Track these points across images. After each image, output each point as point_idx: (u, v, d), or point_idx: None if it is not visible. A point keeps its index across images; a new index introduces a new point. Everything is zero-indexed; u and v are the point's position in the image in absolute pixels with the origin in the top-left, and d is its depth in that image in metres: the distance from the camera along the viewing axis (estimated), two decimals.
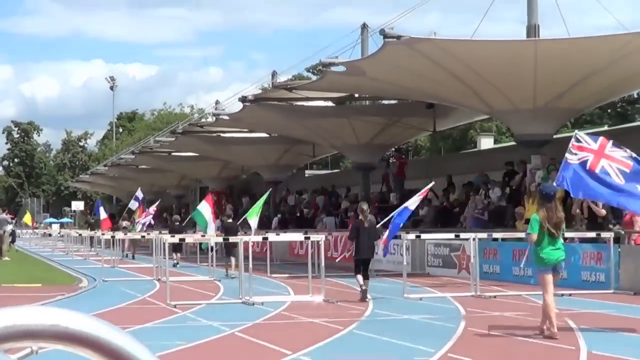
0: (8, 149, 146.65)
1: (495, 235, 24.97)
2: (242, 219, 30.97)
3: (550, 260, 14.01)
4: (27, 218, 69.81)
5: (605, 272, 22.23)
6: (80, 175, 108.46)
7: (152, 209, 41.08)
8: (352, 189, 45.45)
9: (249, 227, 28.79)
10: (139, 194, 43.93)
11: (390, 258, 31.85)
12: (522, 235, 24.50)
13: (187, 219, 43.60)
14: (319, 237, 21.63)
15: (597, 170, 15.27)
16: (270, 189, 38.84)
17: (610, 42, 25.97)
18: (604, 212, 19.86)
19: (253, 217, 29.17)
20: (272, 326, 16.07)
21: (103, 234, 39.60)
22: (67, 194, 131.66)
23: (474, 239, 22.51)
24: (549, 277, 13.96)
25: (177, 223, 40.21)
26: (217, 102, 46.43)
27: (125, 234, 40.68)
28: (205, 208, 31.30)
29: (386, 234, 21.30)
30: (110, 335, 1.17)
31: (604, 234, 22.60)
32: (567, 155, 15.64)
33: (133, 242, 44.87)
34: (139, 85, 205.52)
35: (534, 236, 14.11)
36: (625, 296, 20.49)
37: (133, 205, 44.80)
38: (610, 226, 23.36)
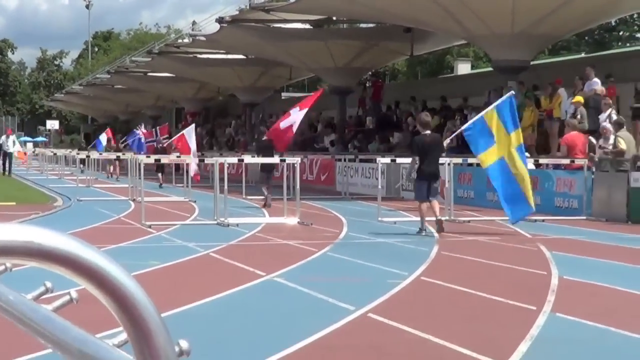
0: None
1: (470, 160, 25.04)
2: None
3: None
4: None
5: (578, 199, 22.39)
6: (56, 95, 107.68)
7: None
8: (328, 113, 45.34)
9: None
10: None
11: (365, 181, 31.98)
12: None
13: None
14: (294, 159, 21.60)
15: None
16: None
17: None
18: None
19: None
20: (247, 247, 16.14)
21: (78, 154, 39.64)
22: (42, 113, 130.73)
23: (448, 164, 22.54)
24: None
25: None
26: (193, 23, 46.10)
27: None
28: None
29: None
30: (84, 253, 1.17)
31: (578, 161, 22.73)
32: None
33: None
34: (127, 6, 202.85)
35: None
36: (597, 222, 20.66)
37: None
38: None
